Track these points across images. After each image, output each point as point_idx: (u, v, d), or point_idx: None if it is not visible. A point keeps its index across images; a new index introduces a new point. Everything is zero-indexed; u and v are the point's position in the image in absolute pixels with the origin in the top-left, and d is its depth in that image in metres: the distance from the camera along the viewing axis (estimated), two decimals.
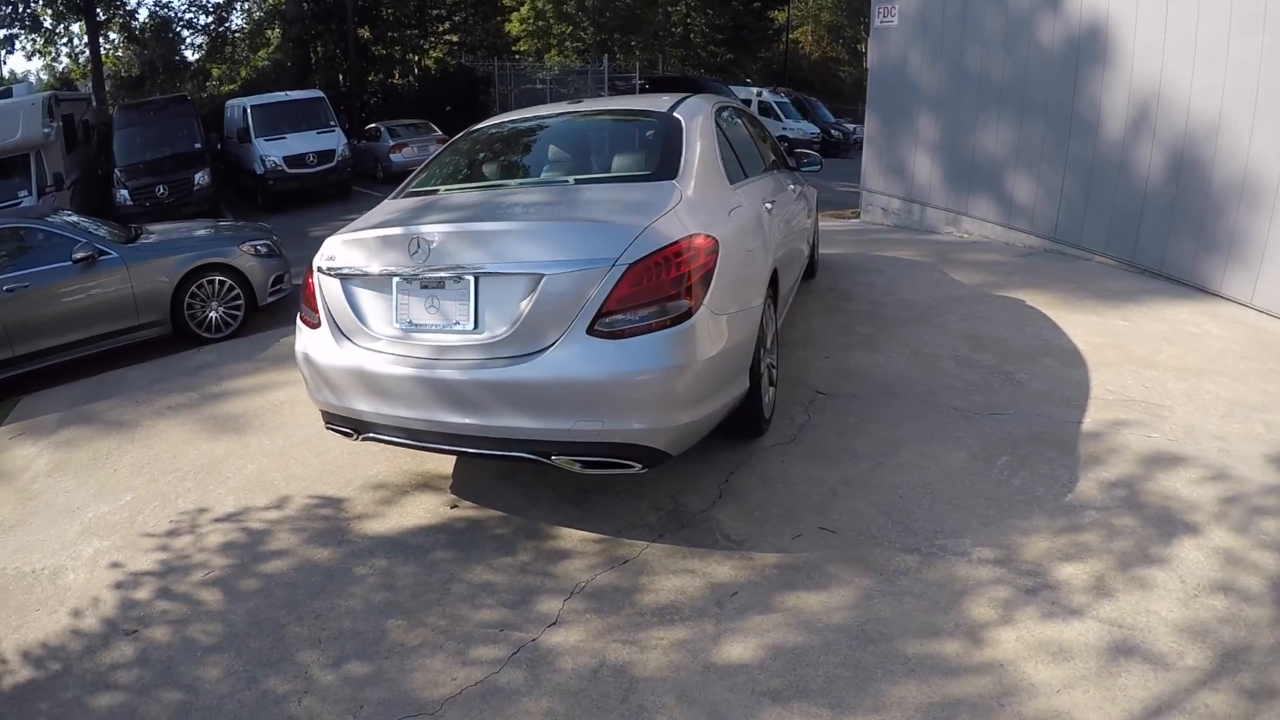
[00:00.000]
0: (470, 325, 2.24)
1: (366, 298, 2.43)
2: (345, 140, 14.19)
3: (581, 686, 1.85)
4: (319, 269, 2.57)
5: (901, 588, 2.15)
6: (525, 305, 2.16)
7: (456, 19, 23.06)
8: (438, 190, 2.92)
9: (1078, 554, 2.21)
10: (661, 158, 2.78)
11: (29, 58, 20.20)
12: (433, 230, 2.30)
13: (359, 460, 3.12)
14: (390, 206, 2.85)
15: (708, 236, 2.35)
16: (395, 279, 2.35)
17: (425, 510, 2.72)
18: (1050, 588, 2.09)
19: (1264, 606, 1.96)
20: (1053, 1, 5.37)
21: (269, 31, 21.07)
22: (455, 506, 2.73)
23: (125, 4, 19.62)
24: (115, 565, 2.60)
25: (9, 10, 18.50)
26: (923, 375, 3.53)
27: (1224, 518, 2.33)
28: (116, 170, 11.30)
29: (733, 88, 19.59)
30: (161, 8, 20.64)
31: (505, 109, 21.10)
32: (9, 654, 2.23)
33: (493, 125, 3.46)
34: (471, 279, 2.24)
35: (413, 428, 2.36)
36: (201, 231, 6.25)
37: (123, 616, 2.33)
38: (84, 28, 19.19)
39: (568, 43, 23.83)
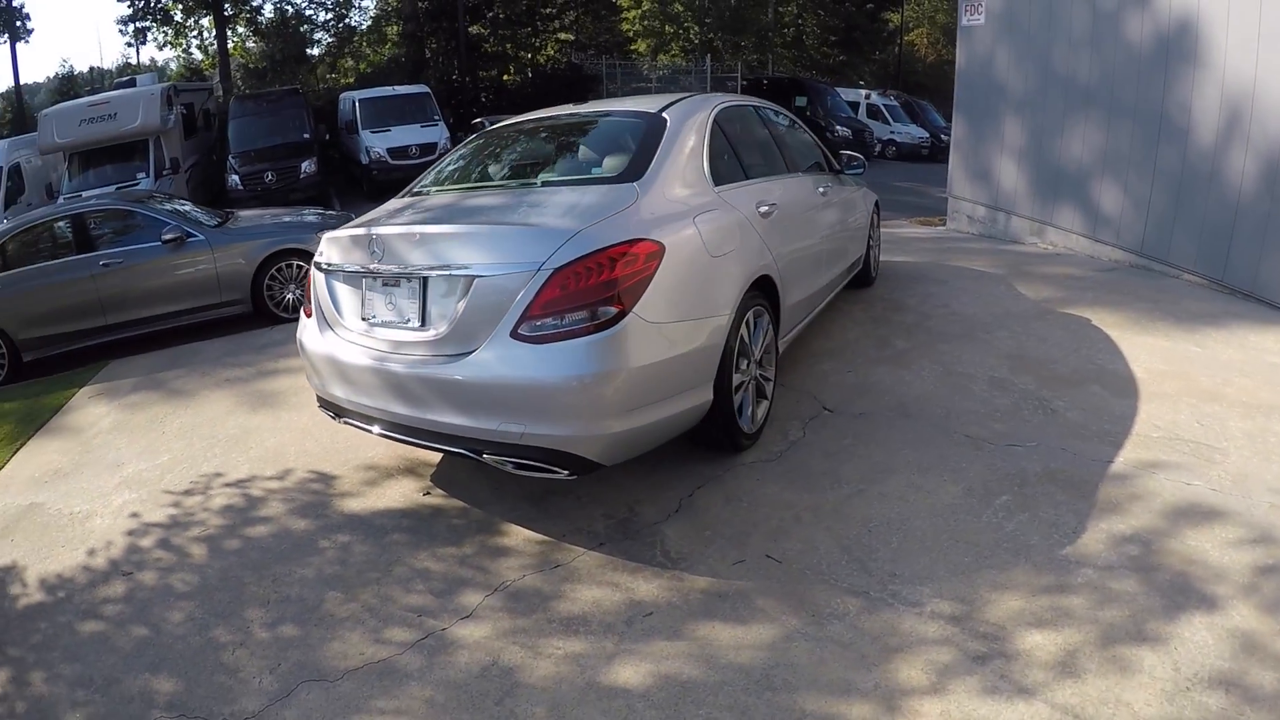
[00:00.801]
0: (419, 323, 2.42)
1: (344, 292, 2.68)
2: (448, 134, 15.08)
3: (467, 681, 1.97)
4: (314, 263, 2.85)
5: (829, 634, 2.04)
6: (460, 306, 2.31)
7: (568, 19, 23.92)
8: (429, 192, 3.14)
9: (1053, 620, 1.99)
10: (632, 159, 2.82)
11: (160, 49, 22.80)
12: (391, 232, 2.51)
13: (363, 442, 3.41)
14: (386, 206, 3.10)
15: (650, 241, 2.37)
16: (363, 277, 2.58)
17: (400, 494, 2.95)
18: (1005, 657, 1.89)
19: (1271, 713, 1.67)
20: None
21: (388, 28, 22.76)
22: (428, 494, 2.94)
23: (250, 0, 21.75)
24: (134, 515, 3.02)
25: (141, 4, 20.96)
26: (946, 397, 3.39)
27: (1254, 592, 2.04)
28: (230, 157, 12.63)
29: (840, 90, 19.27)
30: (285, 4, 22.74)
31: None
32: (31, 580, 2.67)
33: (502, 126, 3.65)
34: (420, 279, 2.42)
35: (373, 415, 2.59)
36: (286, 218, 6.91)
37: (125, 559, 2.71)
38: (212, 22, 21.41)
39: (674, 43, 24.26)
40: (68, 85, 25.46)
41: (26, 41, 35.39)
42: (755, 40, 24.79)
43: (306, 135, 13.60)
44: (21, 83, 23.31)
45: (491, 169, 3.30)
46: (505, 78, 22.79)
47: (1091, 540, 2.33)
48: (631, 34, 25.27)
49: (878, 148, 18.07)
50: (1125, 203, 5.41)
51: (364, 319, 2.59)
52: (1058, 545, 2.32)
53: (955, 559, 2.30)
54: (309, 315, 2.91)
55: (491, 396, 2.25)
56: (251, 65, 22.67)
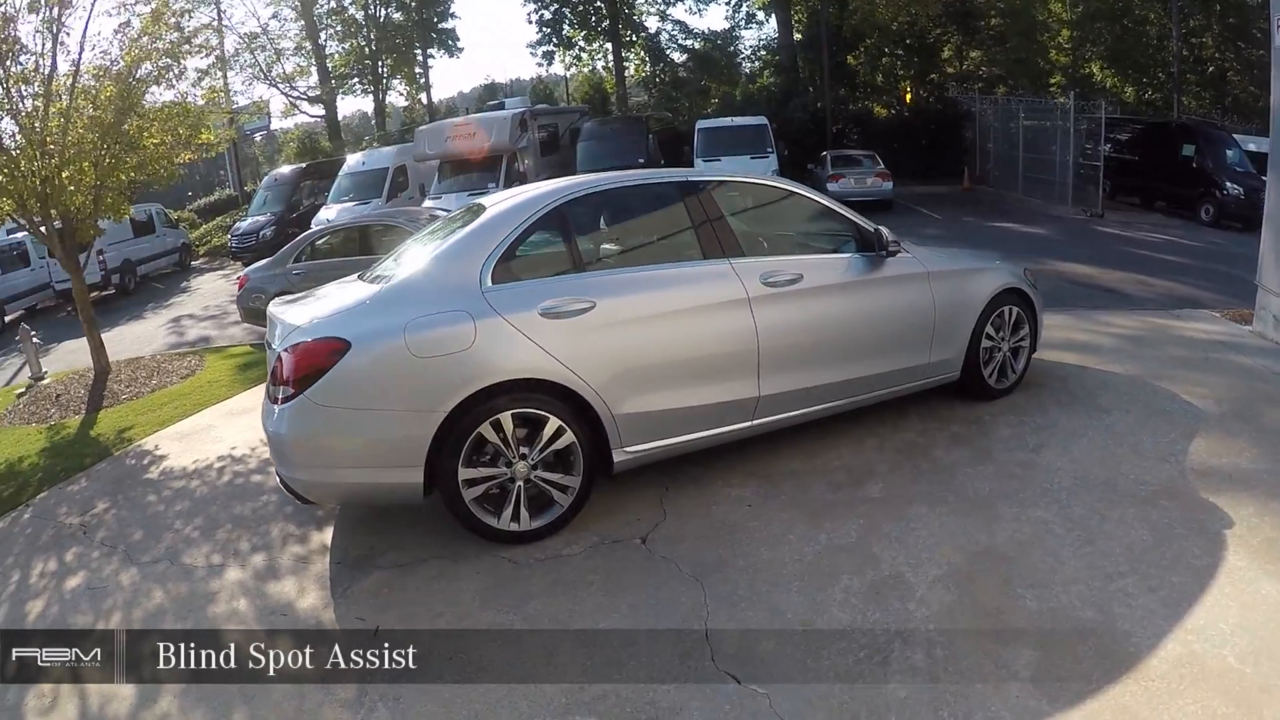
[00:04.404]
0: None
1: None
2: (777, 166, 16.78)
3: (194, 595, 3.55)
4: None
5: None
6: None
7: (948, 49, 23.34)
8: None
9: None
10: (417, 258, 3.72)
11: (566, 69, 29.77)
12: (270, 309, 4.17)
13: None
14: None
15: (334, 340, 3.27)
16: None
17: None
18: None
19: None
20: None
21: (766, 57, 25.30)
22: None
23: (646, 30, 26.54)
24: (232, 448, 5.53)
25: (548, 31, 27.22)
26: (788, 579, 3.05)
27: None
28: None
29: (1251, 138, 15.99)
30: (679, 36, 27.09)
31: (983, 145, 20.90)
32: (162, 466, 5.34)
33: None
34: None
35: None
36: None
37: (199, 471, 5.18)
38: (611, 48, 26.78)
39: (1046, 76, 22.05)
40: (489, 95, 34.52)
41: (457, 57, 48.57)
42: (1164, 76, 20.79)
43: (641, 159, 16.74)
44: (455, 93, 32.92)
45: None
46: (881, 111, 23.34)
47: None
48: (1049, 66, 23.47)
49: None
50: None
51: None
52: None
53: None
54: None
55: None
56: (651, 86, 27.68)
